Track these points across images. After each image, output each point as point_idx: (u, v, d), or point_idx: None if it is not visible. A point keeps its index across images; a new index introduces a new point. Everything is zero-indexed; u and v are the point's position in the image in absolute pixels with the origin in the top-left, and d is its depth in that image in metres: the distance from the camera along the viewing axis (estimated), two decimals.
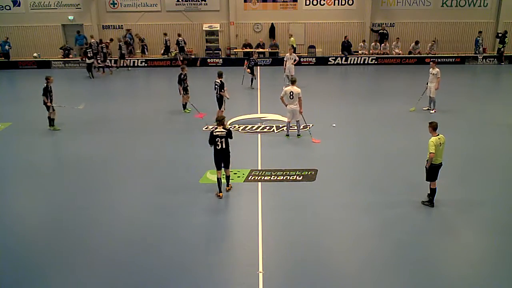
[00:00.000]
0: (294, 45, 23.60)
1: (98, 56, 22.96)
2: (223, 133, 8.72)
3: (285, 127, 12.87)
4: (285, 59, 18.95)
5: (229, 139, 8.86)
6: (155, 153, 11.77)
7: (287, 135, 12.69)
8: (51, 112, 13.59)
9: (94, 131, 13.73)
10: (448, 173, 9.07)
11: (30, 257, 7.20)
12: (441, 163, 8.49)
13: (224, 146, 8.76)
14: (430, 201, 8.71)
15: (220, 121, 8.93)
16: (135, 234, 7.79)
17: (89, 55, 22.06)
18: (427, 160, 8.46)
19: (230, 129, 9.15)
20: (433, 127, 8.48)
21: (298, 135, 12.69)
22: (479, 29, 25.75)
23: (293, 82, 12.46)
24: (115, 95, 19.24)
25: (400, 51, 25.67)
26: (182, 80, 15.07)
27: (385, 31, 26.23)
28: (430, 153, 8.26)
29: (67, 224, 8.19)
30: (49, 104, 13.37)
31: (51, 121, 13.70)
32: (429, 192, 8.73)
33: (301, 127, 12.90)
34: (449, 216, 8.38)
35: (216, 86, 13.56)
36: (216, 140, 8.70)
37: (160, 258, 7.03)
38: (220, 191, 9.06)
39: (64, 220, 8.34)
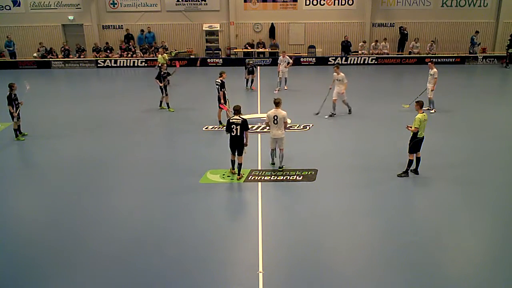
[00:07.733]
0: (162, 62, 20.82)
1: None
2: (238, 120, 9.54)
3: (270, 154, 10.62)
4: (278, 62, 18.81)
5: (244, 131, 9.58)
6: (155, 153, 11.76)
7: (273, 163, 10.58)
8: (15, 121, 12.58)
9: (92, 132, 13.74)
10: (446, 172, 9.03)
11: (31, 258, 7.19)
12: (423, 136, 9.57)
13: (238, 134, 9.55)
14: (405, 172, 9.79)
15: (237, 110, 9.70)
16: (135, 234, 7.78)
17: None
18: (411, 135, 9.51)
19: (246, 119, 9.74)
20: (420, 105, 9.62)
21: (281, 167, 10.29)
22: (479, 29, 25.69)
23: (277, 104, 9.93)
24: (107, 96, 19.25)
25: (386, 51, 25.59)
26: (161, 77, 15.33)
27: (405, 31, 26.16)
28: (414, 127, 9.36)
29: (68, 225, 8.18)
30: (15, 114, 12.40)
31: (16, 131, 12.73)
32: (413, 166, 9.71)
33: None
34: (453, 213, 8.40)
35: (217, 86, 13.54)
36: (232, 127, 9.56)
37: (160, 258, 7.03)
38: (233, 168, 10.02)
39: (65, 220, 8.34)
